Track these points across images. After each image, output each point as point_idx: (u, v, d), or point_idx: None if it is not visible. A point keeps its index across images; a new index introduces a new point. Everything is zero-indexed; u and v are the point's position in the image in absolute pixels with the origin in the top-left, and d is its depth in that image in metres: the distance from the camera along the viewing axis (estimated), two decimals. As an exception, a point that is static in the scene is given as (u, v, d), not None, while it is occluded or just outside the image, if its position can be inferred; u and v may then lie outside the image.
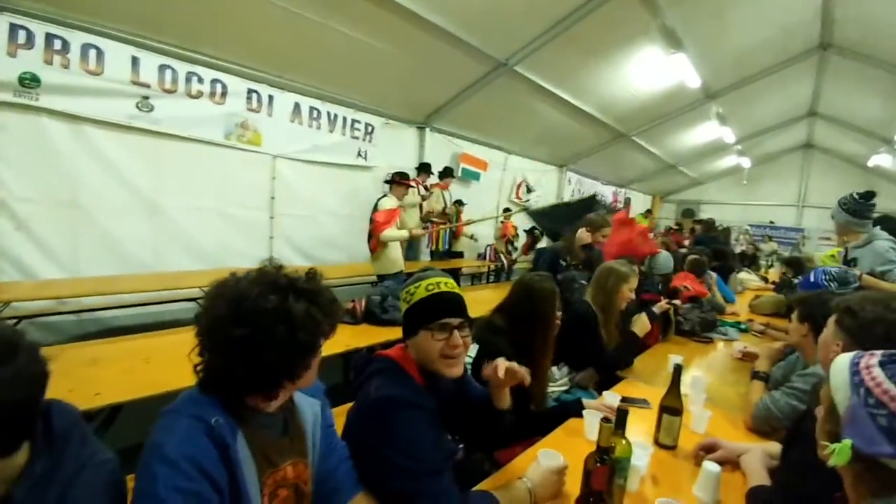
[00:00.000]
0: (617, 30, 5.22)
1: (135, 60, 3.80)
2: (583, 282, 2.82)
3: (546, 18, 4.81)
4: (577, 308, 2.38)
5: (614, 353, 2.31)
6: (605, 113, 7.37)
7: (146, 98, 3.92)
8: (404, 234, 4.39)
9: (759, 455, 1.33)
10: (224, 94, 4.41)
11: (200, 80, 4.24)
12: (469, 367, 2.12)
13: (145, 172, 4.06)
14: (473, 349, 1.85)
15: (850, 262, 2.73)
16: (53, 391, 1.59)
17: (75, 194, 3.70)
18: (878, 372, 0.72)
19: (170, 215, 4.27)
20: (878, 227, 2.73)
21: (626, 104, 7.22)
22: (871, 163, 10.12)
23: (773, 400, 1.62)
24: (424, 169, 6.20)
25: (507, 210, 8.06)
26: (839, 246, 3.17)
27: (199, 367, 0.88)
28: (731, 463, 1.36)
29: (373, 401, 1.10)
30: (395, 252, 4.32)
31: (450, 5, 4.26)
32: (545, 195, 9.41)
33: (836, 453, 0.70)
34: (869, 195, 2.70)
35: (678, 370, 1.49)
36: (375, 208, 4.22)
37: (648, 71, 6.24)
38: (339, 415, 1.25)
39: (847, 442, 0.70)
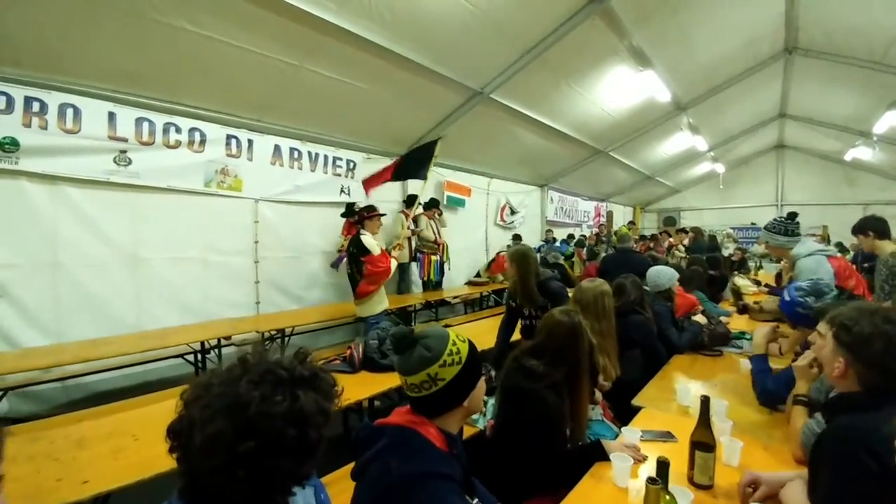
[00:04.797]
0: (587, 53, 5.35)
1: (111, 116, 3.78)
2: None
3: (518, 46, 4.90)
4: None
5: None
6: (580, 132, 7.51)
7: (123, 152, 3.87)
8: (394, 262, 4.34)
9: (799, 488, 1.24)
10: (203, 141, 4.37)
11: (178, 130, 4.20)
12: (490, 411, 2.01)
13: (125, 227, 4.00)
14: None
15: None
16: (43, 481, 1.51)
17: (56, 255, 3.64)
18: None
19: (152, 268, 4.17)
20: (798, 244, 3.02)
21: (600, 122, 7.37)
22: (848, 156, 10.39)
23: (820, 424, 1.46)
24: (413, 202, 6.17)
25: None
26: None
27: (182, 488, 0.76)
28: (774, 497, 1.27)
29: (399, 478, 0.99)
30: (381, 292, 4.21)
31: (423, 40, 4.31)
32: (529, 216, 9.48)
33: None
34: (792, 216, 3.13)
35: (706, 403, 1.42)
36: (363, 250, 4.07)
37: (620, 89, 6.40)
38: (340, 479, 1.16)
39: None
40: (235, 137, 4.63)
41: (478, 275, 7.82)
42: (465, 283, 7.62)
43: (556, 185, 10.07)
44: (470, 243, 8.08)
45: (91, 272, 3.81)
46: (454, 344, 1.15)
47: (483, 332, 3.58)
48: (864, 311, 1.20)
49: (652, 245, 8.90)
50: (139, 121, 3.94)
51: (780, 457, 1.60)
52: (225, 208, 4.64)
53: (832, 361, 1.25)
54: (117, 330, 3.85)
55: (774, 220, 3.15)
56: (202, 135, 4.36)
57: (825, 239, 11.35)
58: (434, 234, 6.42)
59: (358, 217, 4.47)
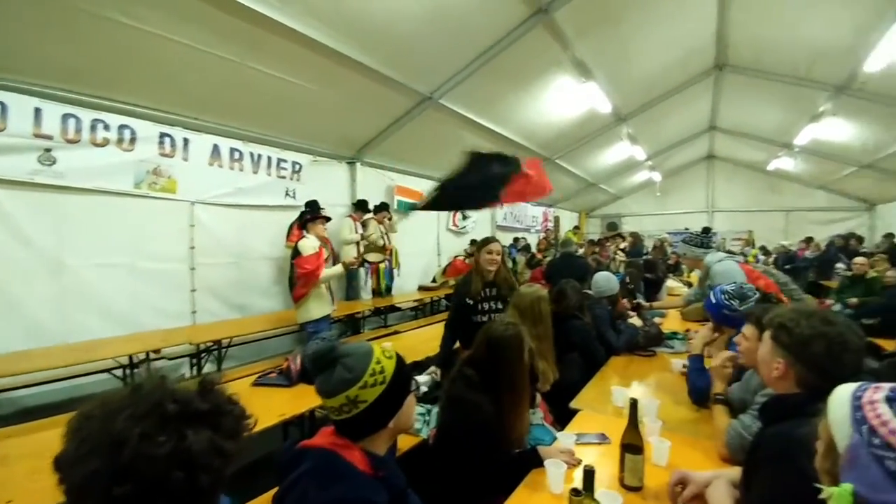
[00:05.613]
0: (532, 62, 5.49)
1: (37, 112, 3.50)
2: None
3: (466, 53, 4.95)
4: None
5: None
6: (527, 139, 7.69)
7: (48, 150, 3.60)
8: (339, 268, 4.21)
9: (723, 488, 1.30)
10: (133, 139, 4.09)
11: (107, 127, 3.92)
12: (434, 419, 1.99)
13: (49, 230, 3.72)
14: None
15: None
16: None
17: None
18: (883, 409, 0.63)
19: (78, 275, 3.87)
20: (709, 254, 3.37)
21: (546, 130, 7.60)
22: (771, 166, 11.37)
23: (745, 426, 1.54)
24: (361, 206, 6.07)
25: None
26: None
27: None
28: (701, 497, 1.32)
29: None
30: (322, 296, 4.03)
31: (371, 42, 4.25)
32: (480, 221, 9.60)
33: (835, 498, 0.63)
34: (706, 230, 3.66)
35: (634, 405, 1.48)
36: (297, 253, 3.92)
37: (564, 99, 6.62)
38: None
39: (847, 486, 0.63)
40: (169, 136, 4.36)
41: (433, 280, 7.80)
42: (418, 288, 7.59)
43: (505, 190, 10.24)
44: (421, 248, 8.05)
45: (14, 280, 3.53)
46: (378, 362, 1.09)
47: (433, 337, 3.56)
48: (803, 312, 1.21)
49: (597, 249, 9.24)
50: (66, 117, 3.65)
51: (708, 454, 1.67)
52: (157, 211, 4.35)
53: (770, 363, 1.23)
54: (43, 341, 3.57)
55: (691, 233, 3.52)
56: (132, 132, 4.07)
57: (749, 243, 12.33)
58: (383, 239, 6.33)
59: (302, 221, 4.34)
